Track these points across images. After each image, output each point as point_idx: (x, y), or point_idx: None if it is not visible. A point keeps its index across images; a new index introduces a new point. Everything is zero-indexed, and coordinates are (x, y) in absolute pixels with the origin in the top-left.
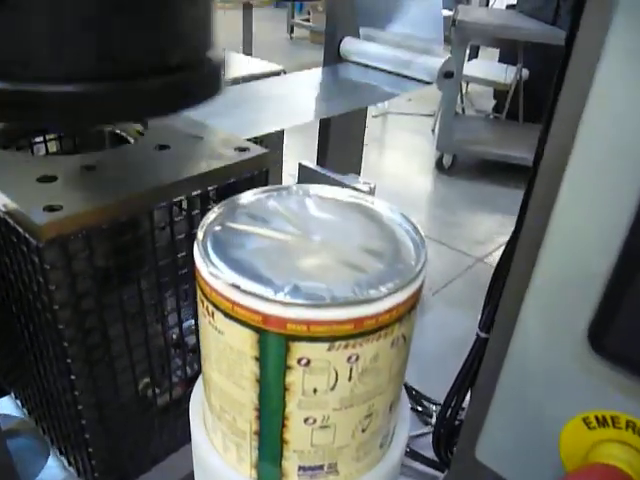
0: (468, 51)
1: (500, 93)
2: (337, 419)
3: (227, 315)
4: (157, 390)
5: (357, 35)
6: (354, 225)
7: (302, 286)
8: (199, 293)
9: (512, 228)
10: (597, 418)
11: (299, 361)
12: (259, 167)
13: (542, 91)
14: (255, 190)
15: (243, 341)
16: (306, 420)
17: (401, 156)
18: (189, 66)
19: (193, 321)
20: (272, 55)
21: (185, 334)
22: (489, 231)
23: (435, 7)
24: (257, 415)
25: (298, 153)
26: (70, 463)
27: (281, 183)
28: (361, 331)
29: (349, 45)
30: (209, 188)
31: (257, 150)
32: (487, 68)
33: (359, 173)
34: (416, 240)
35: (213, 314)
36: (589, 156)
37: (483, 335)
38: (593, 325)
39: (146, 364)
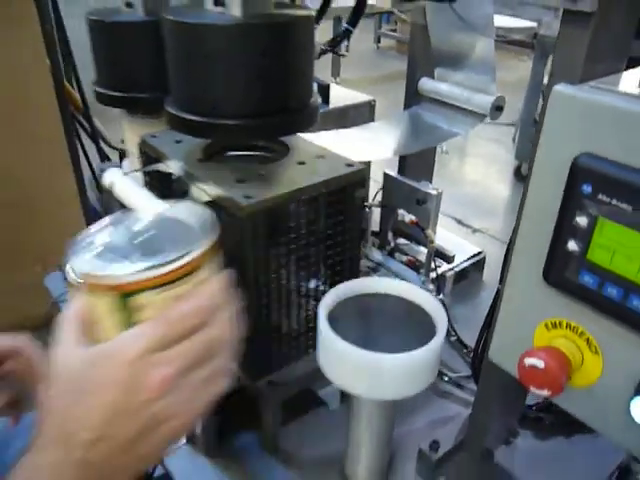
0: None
1: None
2: None
3: None
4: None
5: (432, 75)
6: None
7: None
8: None
9: None
10: (552, 323)
11: None
12: (361, 176)
13: None
14: None
15: None
16: None
17: (481, 164)
18: (299, 108)
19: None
20: (359, 64)
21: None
22: None
23: (489, 53)
24: None
25: (383, 163)
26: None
27: (368, 188)
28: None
29: (424, 84)
30: (331, 189)
31: (359, 166)
32: None
33: (431, 180)
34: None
35: None
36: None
37: (499, 286)
38: (545, 268)
39: (298, 303)
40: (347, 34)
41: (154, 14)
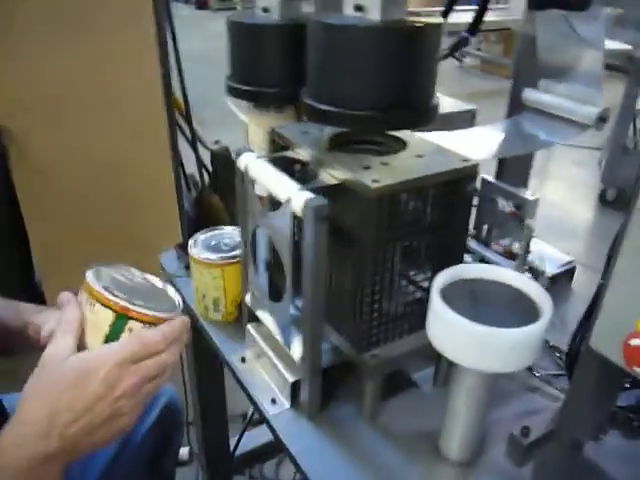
0: None
1: None
2: None
3: None
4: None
5: (536, 86)
6: None
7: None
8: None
9: None
10: None
11: None
12: (474, 171)
13: None
14: None
15: None
16: None
17: (564, 186)
18: (423, 106)
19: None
20: (442, 81)
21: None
22: None
23: (597, 65)
24: None
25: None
26: (341, 335)
27: None
28: None
29: (528, 95)
30: (447, 180)
31: (473, 161)
32: None
33: (527, 186)
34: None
35: None
36: None
37: (601, 282)
38: None
39: (405, 286)
40: (465, 42)
41: (288, 18)
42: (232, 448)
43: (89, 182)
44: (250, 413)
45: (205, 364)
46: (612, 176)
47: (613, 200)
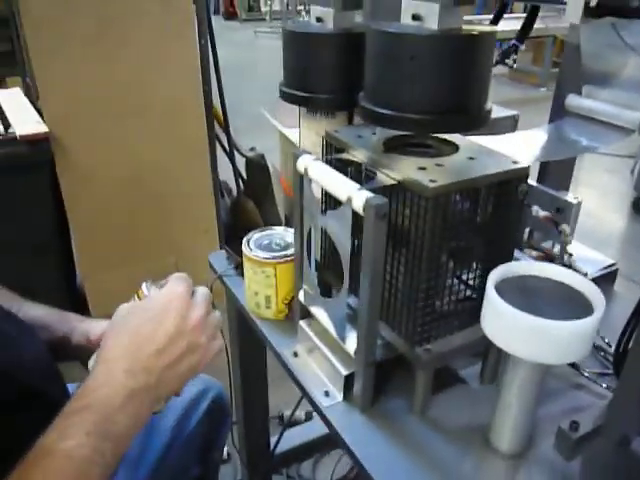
0: None
1: None
2: None
3: None
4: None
5: (579, 92)
6: None
7: None
8: None
9: None
10: None
11: None
12: (525, 173)
13: None
14: None
15: None
16: None
17: (596, 195)
18: (477, 110)
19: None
20: None
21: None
22: None
23: None
24: None
25: None
26: (394, 330)
27: None
28: None
29: (572, 101)
30: (500, 181)
31: (524, 163)
32: None
33: (568, 189)
34: None
35: None
36: None
37: None
38: None
39: (457, 284)
40: (515, 49)
41: (341, 28)
42: (272, 447)
43: (131, 187)
44: (288, 414)
45: (250, 364)
46: None
47: None
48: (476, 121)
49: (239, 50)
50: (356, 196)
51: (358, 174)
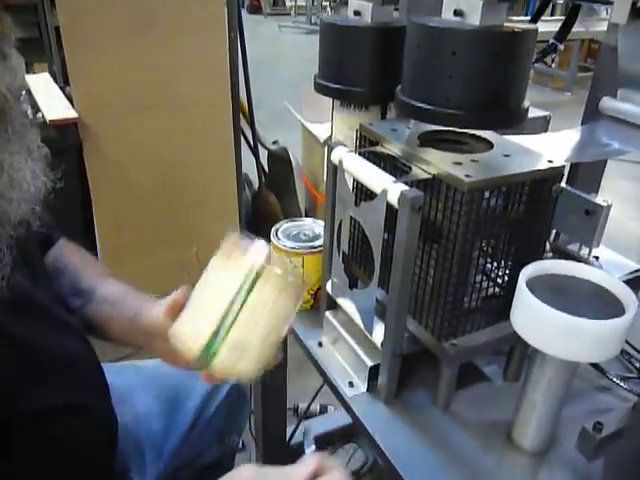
0: None
1: None
2: None
3: None
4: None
5: (615, 95)
6: None
7: None
8: None
9: None
10: None
11: None
12: (560, 172)
13: None
14: None
15: None
16: None
17: (617, 201)
18: (516, 107)
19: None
20: None
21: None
22: None
23: None
24: None
25: None
26: (421, 323)
27: None
28: None
29: (606, 103)
30: (534, 179)
31: (559, 163)
32: None
33: (597, 192)
34: None
35: None
36: None
37: None
38: None
39: (486, 280)
40: (554, 47)
41: (379, 22)
42: (287, 438)
43: (156, 177)
44: (303, 407)
45: None
46: None
47: None
48: (514, 118)
49: (263, 44)
50: (391, 188)
51: (392, 167)
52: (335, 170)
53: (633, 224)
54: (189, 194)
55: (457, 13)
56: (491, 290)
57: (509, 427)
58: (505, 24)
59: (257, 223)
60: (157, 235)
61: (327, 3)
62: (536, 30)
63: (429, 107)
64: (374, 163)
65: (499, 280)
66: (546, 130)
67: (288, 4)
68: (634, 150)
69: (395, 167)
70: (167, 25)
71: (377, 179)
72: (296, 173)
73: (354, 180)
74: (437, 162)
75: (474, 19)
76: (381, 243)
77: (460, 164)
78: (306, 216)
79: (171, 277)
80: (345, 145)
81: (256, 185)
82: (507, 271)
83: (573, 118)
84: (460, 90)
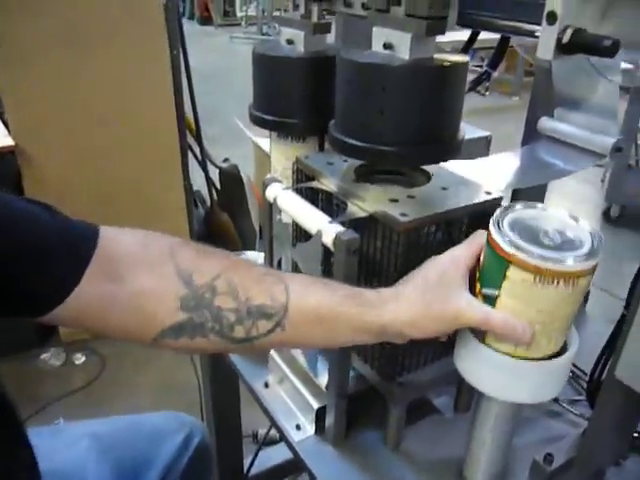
0: None
1: None
2: None
3: None
4: None
5: (552, 115)
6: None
7: None
8: None
9: None
10: None
11: None
12: (498, 204)
13: None
14: None
15: None
16: None
17: (567, 203)
18: (450, 140)
19: None
20: None
21: None
22: None
23: (613, 97)
24: None
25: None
26: (366, 362)
27: None
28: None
29: (544, 123)
30: (472, 213)
31: (497, 194)
32: None
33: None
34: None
35: None
36: None
37: (625, 312)
38: None
39: None
40: (487, 75)
41: (312, 51)
42: (246, 469)
43: (102, 201)
44: (262, 433)
45: (223, 394)
46: (616, 193)
47: (617, 217)
48: (449, 152)
49: (214, 56)
50: (326, 229)
51: (329, 204)
52: (270, 208)
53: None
54: (136, 216)
55: (387, 46)
56: None
57: (460, 464)
58: (436, 55)
59: (211, 243)
60: None
61: (278, 13)
62: (466, 62)
63: (361, 145)
64: (311, 199)
65: None
66: (488, 150)
67: (239, 14)
68: (575, 169)
69: (332, 203)
70: (102, 45)
71: (312, 219)
72: (248, 190)
73: None
74: (373, 199)
75: (403, 52)
76: None
77: (396, 201)
78: (261, 235)
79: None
80: (280, 181)
81: (208, 203)
82: None
83: (521, 121)
84: (392, 126)
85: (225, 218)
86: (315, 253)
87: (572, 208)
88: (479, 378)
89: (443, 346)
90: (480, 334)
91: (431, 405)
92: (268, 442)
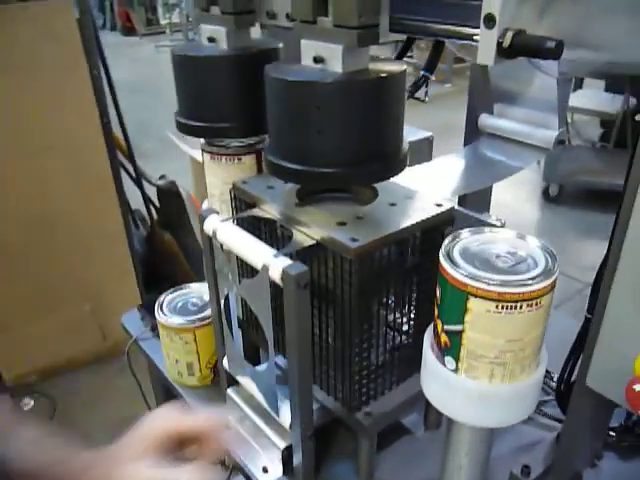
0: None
1: (607, 122)
2: None
3: None
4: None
5: (491, 111)
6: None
7: None
8: None
9: None
10: None
11: None
12: (449, 215)
13: None
14: None
15: None
16: None
17: (507, 186)
18: (393, 155)
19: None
20: None
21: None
22: (597, 258)
23: (551, 90)
24: None
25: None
26: (329, 394)
27: None
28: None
29: (484, 120)
30: (424, 228)
31: (448, 204)
32: (593, 98)
33: (489, 210)
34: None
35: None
36: None
37: (589, 316)
38: None
39: (390, 337)
40: (425, 80)
41: (237, 48)
42: None
43: (37, 232)
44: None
45: None
46: (553, 173)
47: (556, 196)
48: (393, 168)
49: (141, 67)
50: (273, 264)
51: (272, 232)
52: (210, 242)
53: (526, 208)
54: (75, 244)
55: (317, 60)
56: (401, 339)
57: None
58: (371, 65)
59: (154, 265)
60: (45, 295)
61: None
62: (403, 71)
63: (300, 168)
64: (254, 228)
65: (405, 328)
66: (431, 150)
67: (162, 22)
68: (522, 166)
69: (275, 232)
70: (24, 72)
71: (256, 252)
72: (189, 206)
73: None
74: (319, 224)
75: (336, 66)
76: (271, 322)
77: (344, 224)
78: None
79: (63, 343)
80: (217, 212)
81: (149, 222)
82: (412, 316)
83: (457, 107)
84: (331, 146)
85: (167, 237)
86: (263, 290)
87: (513, 191)
88: (453, 408)
89: (406, 367)
90: (452, 364)
91: (401, 425)
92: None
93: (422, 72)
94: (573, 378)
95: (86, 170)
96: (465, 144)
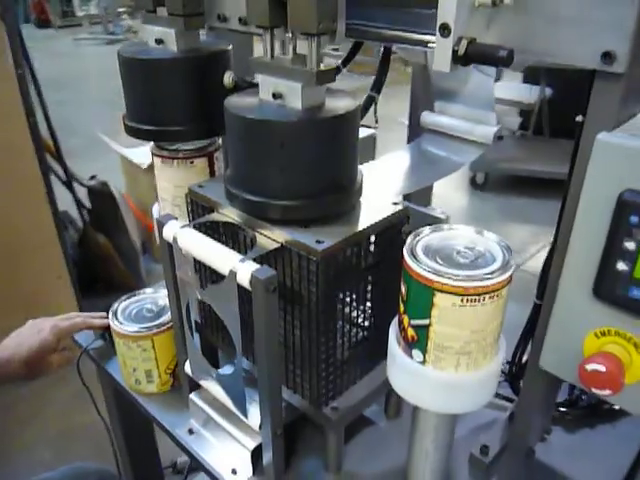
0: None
1: (525, 111)
2: None
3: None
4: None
5: (432, 109)
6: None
7: None
8: None
9: (544, 237)
10: (601, 332)
11: None
12: (406, 213)
13: (566, 107)
14: None
15: None
16: None
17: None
18: (349, 186)
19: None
20: None
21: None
22: (523, 241)
23: (487, 87)
24: None
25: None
26: (296, 392)
27: None
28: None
29: (426, 117)
30: (383, 228)
31: (404, 203)
32: (512, 89)
33: (430, 203)
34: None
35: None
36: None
37: (538, 302)
38: (595, 285)
39: (353, 333)
40: (371, 100)
41: (186, 50)
42: None
43: None
44: (182, 461)
45: (138, 441)
46: (479, 162)
47: (482, 183)
48: (352, 196)
49: (60, 61)
50: (240, 268)
51: (234, 236)
52: (170, 249)
53: (455, 196)
54: (4, 250)
55: (276, 96)
56: (362, 334)
57: (404, 474)
58: (327, 100)
59: (89, 268)
60: None
61: (123, 9)
62: (358, 106)
63: (263, 200)
64: (214, 232)
65: (366, 323)
66: (374, 148)
67: (79, 14)
68: (464, 161)
69: (237, 235)
70: None
71: (221, 258)
72: (122, 206)
73: None
74: (281, 227)
75: (294, 102)
76: (239, 326)
77: (307, 227)
78: (144, 251)
79: None
80: (176, 218)
81: (80, 223)
82: (372, 312)
83: (388, 96)
84: (293, 181)
85: (102, 240)
86: (230, 295)
87: (443, 180)
88: (421, 398)
89: (369, 361)
90: (420, 356)
91: (363, 417)
92: (191, 469)
93: (369, 93)
94: (524, 360)
95: (13, 172)
96: (409, 141)
